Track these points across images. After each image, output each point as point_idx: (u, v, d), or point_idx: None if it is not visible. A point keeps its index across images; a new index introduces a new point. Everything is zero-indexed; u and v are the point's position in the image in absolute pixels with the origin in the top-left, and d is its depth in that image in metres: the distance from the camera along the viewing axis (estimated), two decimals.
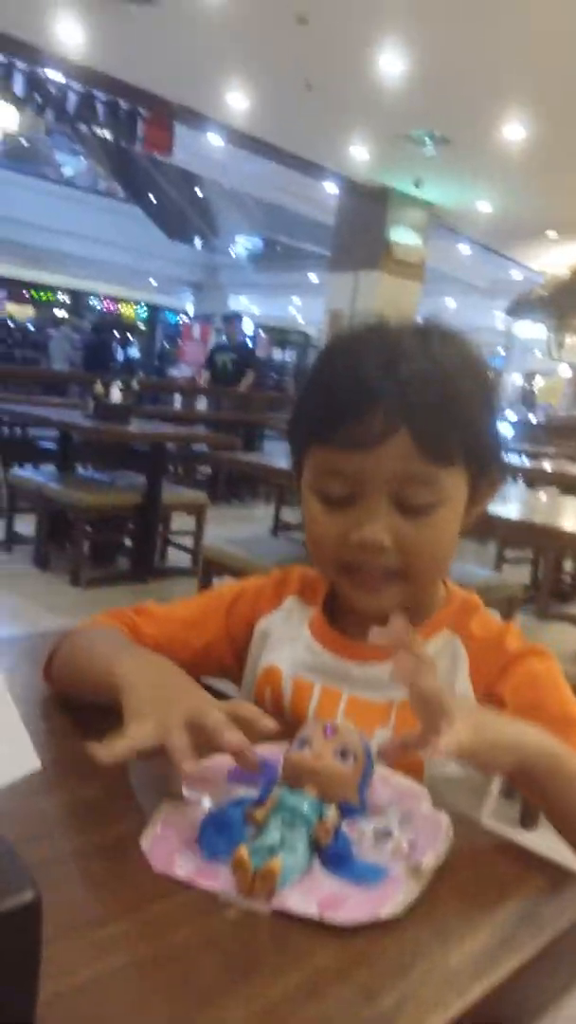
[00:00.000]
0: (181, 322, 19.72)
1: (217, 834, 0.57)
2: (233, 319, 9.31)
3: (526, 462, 6.03)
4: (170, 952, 0.48)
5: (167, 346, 19.97)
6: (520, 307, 11.75)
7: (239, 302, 22.20)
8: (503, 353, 22.85)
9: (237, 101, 7.35)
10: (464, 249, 13.10)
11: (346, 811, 0.61)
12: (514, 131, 7.00)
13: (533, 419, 12.17)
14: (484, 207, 9.60)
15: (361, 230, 9.28)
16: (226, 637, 0.89)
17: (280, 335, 22.22)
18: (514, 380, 18.66)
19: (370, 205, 9.23)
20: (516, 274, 13.88)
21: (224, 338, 9.39)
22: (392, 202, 9.16)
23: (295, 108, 7.23)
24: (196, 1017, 0.43)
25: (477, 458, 0.75)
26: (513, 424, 10.26)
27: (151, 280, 19.99)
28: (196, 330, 15.66)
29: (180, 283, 20.68)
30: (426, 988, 0.47)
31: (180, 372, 14.28)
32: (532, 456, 6.43)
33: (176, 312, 20.96)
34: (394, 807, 0.64)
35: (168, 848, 0.57)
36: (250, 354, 8.78)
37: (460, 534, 0.79)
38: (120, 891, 0.53)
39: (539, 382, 19.66)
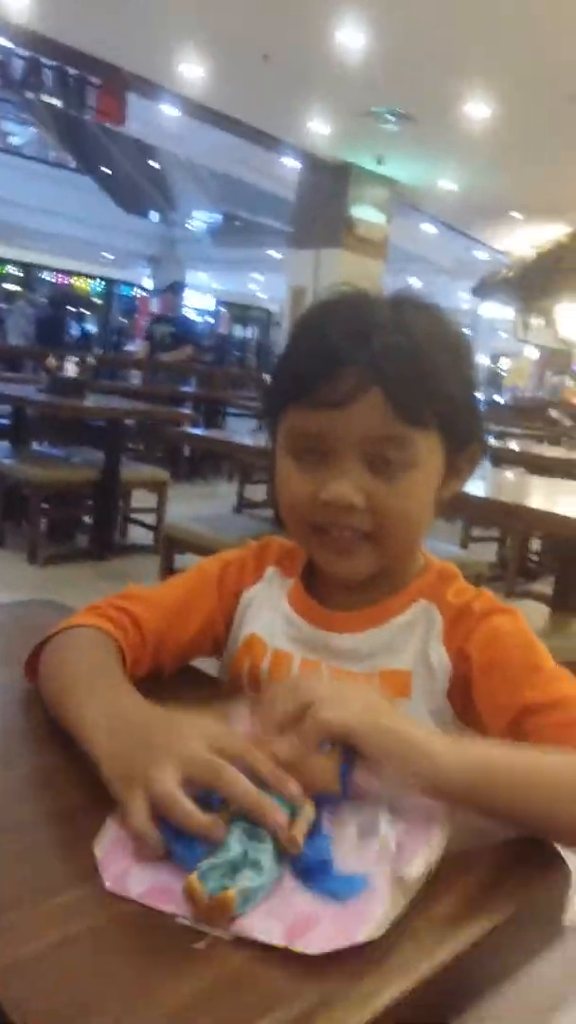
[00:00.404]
0: (137, 296, 19.45)
1: (176, 842, 0.51)
2: (174, 289, 8.97)
3: (493, 442, 6.09)
4: (129, 918, 0.47)
5: (124, 321, 19.69)
6: (486, 288, 11.82)
7: (198, 277, 21.97)
8: (469, 334, 23.01)
9: (191, 71, 7.22)
10: (428, 228, 13.12)
11: (325, 802, 0.55)
12: (478, 109, 7.00)
13: (500, 400, 12.28)
14: (448, 186, 9.60)
15: (322, 206, 9.23)
16: (220, 612, 0.88)
17: (241, 311, 22.06)
18: (480, 362, 18.78)
19: (331, 181, 9.18)
20: (481, 254, 13.95)
21: (166, 309, 9.12)
22: (354, 179, 9.11)
23: (252, 79, 7.13)
24: (154, 980, 0.42)
25: (453, 428, 0.75)
26: (480, 405, 10.33)
27: (106, 254, 19.66)
28: (153, 304, 15.45)
29: (136, 257, 20.37)
30: (393, 951, 0.47)
31: (136, 347, 14.09)
32: (499, 436, 6.49)
33: (132, 286, 20.67)
34: (386, 792, 0.57)
35: (122, 860, 0.50)
36: (189, 326, 8.52)
37: (437, 510, 0.79)
38: (76, 859, 0.52)
39: (505, 364, 19.83)
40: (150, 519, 4.67)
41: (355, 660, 0.78)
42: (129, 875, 0.49)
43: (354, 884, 0.49)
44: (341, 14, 5.71)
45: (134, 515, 4.86)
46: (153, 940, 0.45)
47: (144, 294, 18.15)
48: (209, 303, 22.11)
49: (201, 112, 8.24)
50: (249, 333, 21.49)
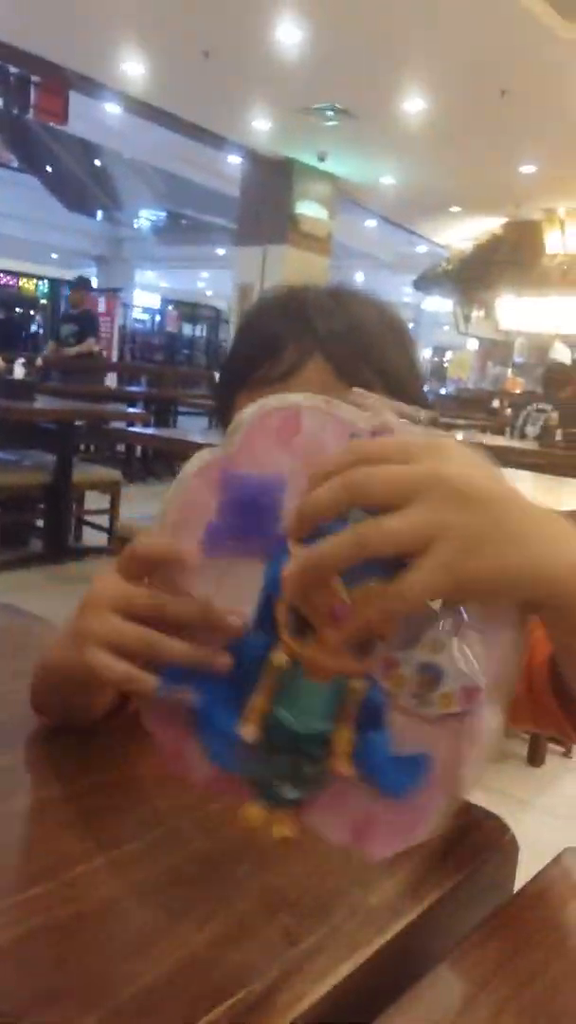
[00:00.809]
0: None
1: (206, 729, 0.43)
2: (79, 286, 8.71)
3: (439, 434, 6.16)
4: (92, 912, 0.47)
5: (14, 317, 19.39)
6: (426, 281, 11.97)
7: (145, 276, 21.80)
8: (412, 328, 23.24)
9: (133, 68, 7.17)
10: (370, 223, 13.21)
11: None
12: (414, 104, 7.08)
13: (443, 392, 12.43)
14: (388, 181, 9.69)
15: (267, 203, 9.24)
16: None
17: (190, 310, 21.95)
18: (424, 355, 18.98)
19: (275, 178, 9.19)
20: (422, 248, 14.09)
21: (71, 307, 8.79)
22: (297, 175, 9.14)
23: (193, 77, 7.10)
24: (118, 969, 0.43)
25: (399, 394, 0.76)
26: (424, 377, 10.44)
27: (52, 254, 19.40)
28: (102, 304, 15.30)
29: (83, 257, 20.13)
30: (347, 927, 0.49)
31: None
32: (444, 428, 6.57)
33: None
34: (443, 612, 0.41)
35: (175, 728, 0.44)
36: (90, 321, 8.30)
37: None
38: (38, 857, 0.52)
39: (448, 356, 20.05)
40: (103, 520, 4.64)
41: None
42: (184, 754, 0.44)
43: (413, 772, 0.41)
44: (279, 10, 5.73)
45: (87, 517, 4.82)
46: (116, 931, 0.46)
47: (92, 294, 17.93)
48: (155, 302, 21.97)
49: (144, 110, 8.18)
50: (198, 331, 21.40)
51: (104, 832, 0.56)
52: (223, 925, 0.47)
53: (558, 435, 4.97)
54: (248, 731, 0.42)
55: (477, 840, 0.60)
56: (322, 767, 0.41)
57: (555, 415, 5.44)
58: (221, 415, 0.80)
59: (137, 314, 20.88)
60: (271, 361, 0.72)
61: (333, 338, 0.72)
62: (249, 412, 0.43)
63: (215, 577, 0.43)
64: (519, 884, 0.58)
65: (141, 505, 5.17)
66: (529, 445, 4.96)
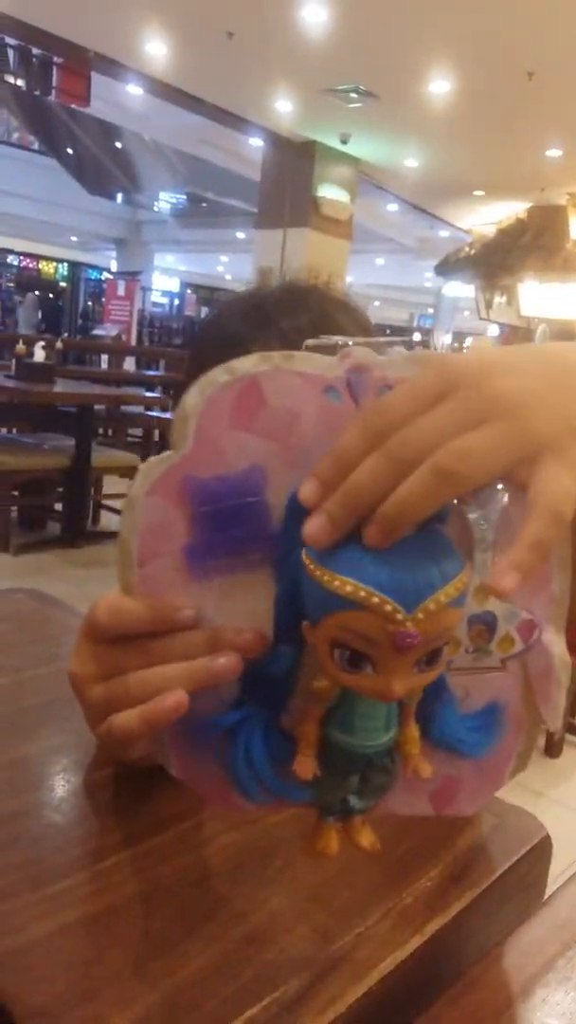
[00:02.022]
0: (104, 279, 19.23)
1: (244, 768, 0.38)
2: None
3: None
4: (124, 905, 0.47)
5: (91, 304, 19.47)
6: (448, 266, 11.85)
7: (165, 260, 21.75)
8: (432, 312, 23.06)
9: (156, 49, 7.12)
10: (392, 207, 13.09)
11: None
12: (439, 86, 6.98)
13: None
14: (411, 164, 9.59)
15: (288, 186, 9.17)
16: None
17: (208, 293, 21.90)
18: (444, 340, 18.86)
19: (297, 160, 9.11)
20: (444, 233, 13.96)
21: None
22: (319, 158, 9.06)
23: (216, 58, 7.04)
24: (151, 966, 0.42)
25: None
26: None
27: (72, 237, 19.39)
28: (121, 287, 15.29)
29: (102, 239, 20.11)
30: (382, 926, 0.48)
31: (106, 331, 13.97)
32: None
33: (99, 269, 20.42)
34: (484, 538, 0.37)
35: (208, 770, 0.40)
36: None
37: None
38: (67, 848, 0.52)
39: (468, 342, 19.91)
40: (121, 505, 4.64)
41: None
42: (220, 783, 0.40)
43: (489, 727, 0.40)
44: None
45: (106, 501, 4.83)
46: (148, 926, 0.46)
47: (111, 277, 17.94)
48: (175, 285, 21.94)
49: (166, 91, 8.13)
50: None
51: (134, 823, 0.55)
52: (255, 922, 0.47)
53: None
54: (305, 767, 0.36)
55: (511, 838, 0.59)
56: (393, 772, 0.38)
57: None
58: None
59: (156, 298, 20.86)
60: (230, 352, 0.71)
61: (296, 333, 0.72)
62: (192, 396, 0.36)
63: (214, 602, 0.37)
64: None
65: None
66: None
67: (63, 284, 19.72)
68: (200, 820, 0.56)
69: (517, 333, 14.32)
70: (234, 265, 21.08)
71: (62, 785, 0.59)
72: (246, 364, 0.36)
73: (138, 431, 7.32)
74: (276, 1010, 0.41)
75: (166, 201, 18.78)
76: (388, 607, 0.30)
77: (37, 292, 15.03)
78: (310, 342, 0.37)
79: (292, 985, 0.42)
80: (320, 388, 0.35)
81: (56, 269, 19.77)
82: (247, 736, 0.37)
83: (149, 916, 0.46)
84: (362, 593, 0.30)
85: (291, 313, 0.75)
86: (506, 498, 0.36)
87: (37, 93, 8.56)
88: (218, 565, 0.36)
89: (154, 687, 0.37)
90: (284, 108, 8.16)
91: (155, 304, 20.55)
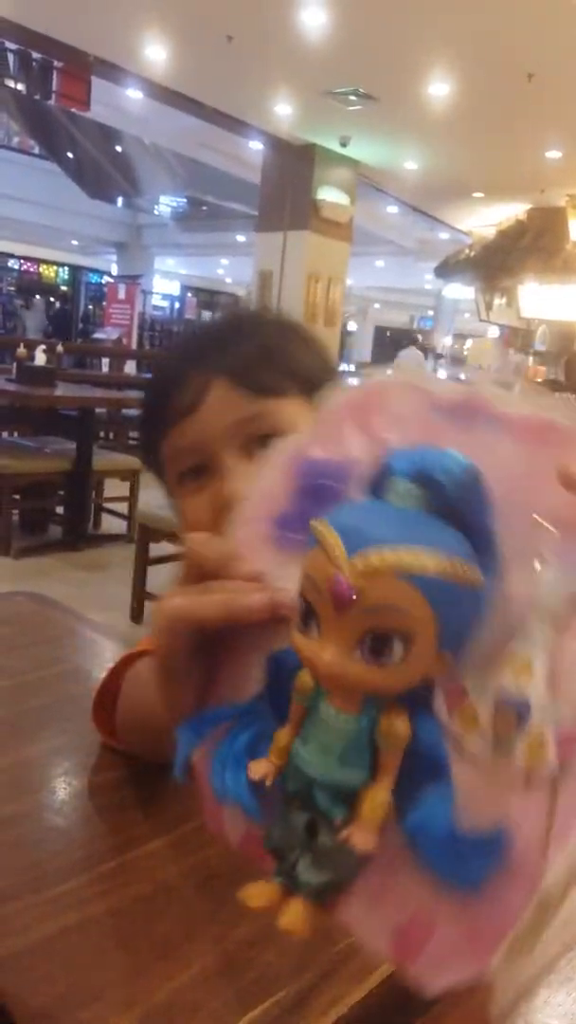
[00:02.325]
0: (105, 283, 19.25)
1: (223, 771, 0.34)
2: None
3: None
4: (125, 908, 0.47)
5: (91, 308, 19.49)
6: (448, 268, 11.86)
7: (165, 263, 21.77)
8: (432, 315, 23.07)
9: (156, 53, 7.12)
10: (392, 209, 13.10)
11: (424, 691, 0.30)
12: (438, 88, 6.98)
13: (462, 379, 12.31)
14: (411, 166, 9.59)
15: (288, 189, 9.18)
16: None
17: (208, 297, 21.92)
18: (444, 342, 18.84)
19: (296, 163, 9.12)
20: (444, 235, 13.97)
21: None
22: (319, 160, 9.06)
23: (216, 61, 7.04)
24: (153, 968, 0.42)
25: (315, 389, 0.76)
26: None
27: (72, 241, 19.41)
28: (122, 291, 15.30)
29: (103, 243, 20.12)
30: None
31: (106, 335, 13.98)
32: None
33: (100, 273, 20.44)
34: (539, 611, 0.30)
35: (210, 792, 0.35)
36: None
37: None
38: (69, 851, 0.52)
39: (468, 344, 19.91)
40: (123, 508, 4.65)
41: None
42: (223, 812, 0.36)
43: (486, 856, 0.29)
44: None
45: (107, 504, 4.83)
46: (150, 929, 0.46)
47: (112, 281, 17.96)
48: (175, 289, 21.97)
49: (166, 95, 8.13)
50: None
51: (136, 826, 0.55)
52: (257, 924, 0.47)
53: None
54: (258, 768, 0.32)
55: None
56: (346, 852, 0.30)
57: None
58: (161, 476, 0.79)
59: (156, 301, 20.87)
60: (175, 399, 0.72)
61: (231, 359, 0.73)
62: (331, 393, 0.39)
63: (287, 575, 0.35)
64: None
65: (160, 492, 5.18)
66: None
67: (64, 288, 19.74)
68: (202, 822, 0.56)
69: (517, 335, 14.33)
70: (234, 268, 21.09)
71: (64, 788, 0.59)
72: (380, 376, 0.38)
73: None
74: (278, 1012, 0.41)
75: (166, 204, 18.79)
76: (331, 540, 0.28)
77: (41, 297, 15.13)
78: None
79: (294, 986, 0.42)
80: (428, 403, 0.35)
81: (57, 273, 19.79)
82: (237, 730, 0.35)
83: (151, 918, 0.46)
84: (320, 527, 0.29)
85: (225, 342, 0.75)
86: None
87: (37, 97, 8.57)
88: (293, 539, 0.36)
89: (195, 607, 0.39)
90: (283, 111, 8.16)
91: (155, 307, 20.56)
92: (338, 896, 0.32)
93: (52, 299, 18.70)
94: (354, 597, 0.28)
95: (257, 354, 0.73)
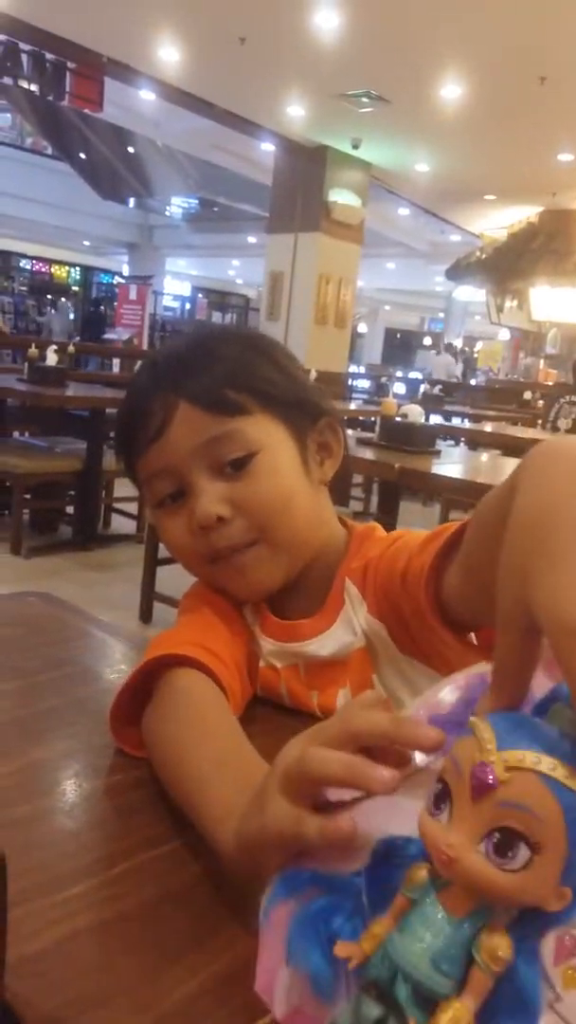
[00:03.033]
0: (117, 284, 19.30)
1: (305, 937, 0.33)
2: None
3: (468, 424, 6.12)
4: (135, 912, 0.47)
5: (103, 309, 19.54)
6: (459, 271, 11.84)
7: (176, 264, 21.82)
8: (442, 317, 23.03)
9: (169, 55, 7.14)
10: (403, 211, 13.09)
11: (539, 923, 0.30)
12: (451, 91, 6.98)
13: (473, 382, 12.31)
14: (423, 168, 9.58)
15: (300, 191, 9.18)
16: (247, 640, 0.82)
17: (219, 298, 21.96)
18: (455, 344, 18.82)
19: (308, 165, 9.12)
20: (456, 237, 13.94)
21: None
22: (330, 162, 9.06)
23: (229, 63, 7.06)
24: (164, 974, 0.42)
25: (282, 406, 0.76)
26: (453, 387, 10.37)
27: (84, 241, 19.47)
28: (133, 291, 15.33)
29: (114, 244, 20.18)
30: None
31: (117, 335, 14.01)
32: (474, 419, 6.53)
33: (111, 274, 20.49)
34: None
35: (280, 944, 0.34)
36: None
37: (330, 489, 0.80)
38: (79, 853, 0.52)
39: (479, 346, 19.87)
40: (133, 508, 4.66)
41: (328, 655, 0.77)
42: (276, 978, 0.35)
43: None
44: None
45: (117, 504, 4.84)
46: (160, 933, 0.45)
47: (123, 281, 17.99)
48: (186, 290, 21.99)
49: (178, 96, 8.15)
50: (228, 320, 21.40)
51: (143, 829, 0.55)
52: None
53: None
54: (346, 948, 0.32)
55: None
56: None
57: None
58: (135, 482, 0.80)
59: (167, 302, 20.92)
60: (144, 424, 0.74)
61: (190, 382, 0.73)
62: None
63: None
64: None
65: None
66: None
67: (75, 288, 19.79)
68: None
69: (528, 337, 14.29)
70: (245, 269, 21.12)
71: (74, 790, 0.59)
72: None
73: None
74: None
75: (178, 206, 18.84)
76: (486, 733, 0.29)
77: (67, 299, 15.16)
78: None
79: None
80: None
81: (68, 273, 19.85)
82: (329, 902, 0.34)
83: (161, 923, 0.46)
84: (477, 721, 0.30)
85: (184, 364, 0.75)
86: None
87: (50, 98, 8.61)
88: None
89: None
90: (296, 113, 8.17)
91: (166, 308, 20.61)
92: None
93: (83, 302, 18.77)
94: (494, 785, 0.28)
95: (221, 374, 0.74)
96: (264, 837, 0.40)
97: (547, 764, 0.28)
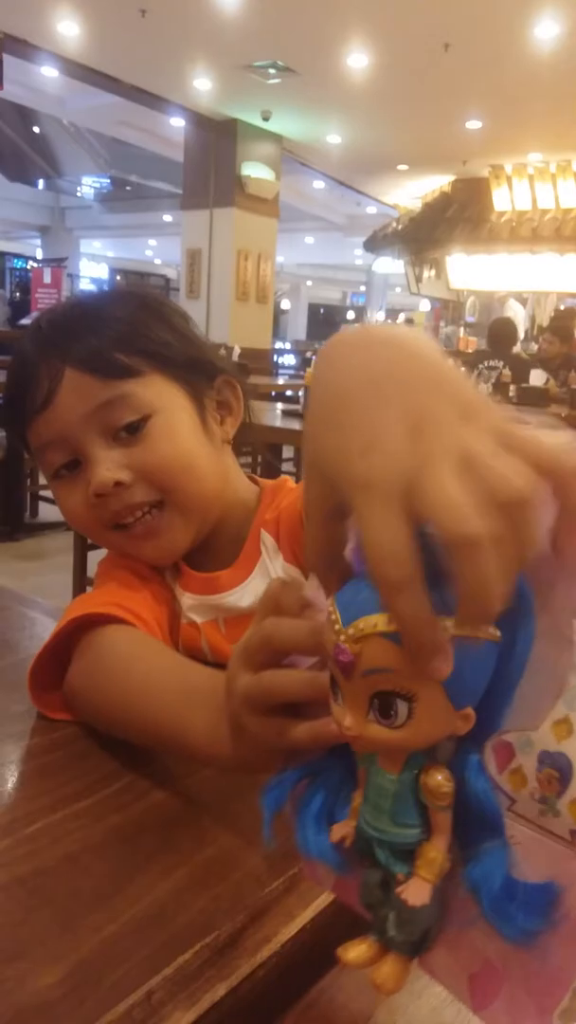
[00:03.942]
0: (30, 268, 18.78)
1: (306, 833, 0.36)
2: None
3: None
4: (52, 866, 0.46)
5: (18, 295, 18.99)
6: (376, 242, 11.90)
7: (91, 246, 21.34)
8: (364, 291, 23.12)
9: (68, 28, 6.94)
10: (319, 185, 13.06)
11: (473, 739, 0.32)
12: (357, 60, 6.96)
13: None
14: (334, 140, 9.56)
15: (212, 166, 9.07)
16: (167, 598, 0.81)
17: (137, 279, 21.56)
18: (377, 318, 18.89)
19: (219, 139, 9.01)
20: (371, 209, 13.99)
21: None
22: (241, 136, 8.97)
23: (131, 36, 6.89)
24: (81, 922, 0.42)
25: (176, 365, 0.75)
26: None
27: None
28: (47, 275, 14.94)
29: (25, 228, 19.62)
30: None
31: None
32: None
33: (24, 259, 19.93)
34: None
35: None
36: None
37: (232, 448, 0.80)
38: None
39: (401, 318, 20.02)
40: None
41: (247, 607, 0.77)
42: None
43: (537, 909, 0.30)
44: None
45: (43, 492, 4.75)
46: (78, 885, 0.45)
47: (36, 265, 17.51)
48: (103, 272, 21.55)
49: (81, 72, 7.93)
50: None
51: (62, 787, 0.54)
52: (189, 873, 0.47)
53: (511, 391, 5.00)
54: (338, 830, 0.35)
55: None
56: (397, 895, 0.32)
57: (507, 371, 5.46)
58: (28, 452, 0.78)
59: (84, 285, 20.46)
60: (30, 393, 0.72)
61: (77, 346, 0.71)
62: None
63: None
64: None
65: None
66: None
67: None
68: (130, 780, 0.55)
69: (448, 307, 14.47)
70: (163, 249, 20.79)
71: None
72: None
73: None
74: (209, 954, 0.41)
75: (89, 186, 18.41)
76: (333, 615, 0.31)
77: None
78: None
79: (226, 928, 0.42)
80: None
81: None
82: (315, 791, 0.37)
83: (79, 875, 0.46)
84: (329, 605, 0.32)
85: (68, 329, 0.73)
86: None
87: None
88: None
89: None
90: (203, 86, 8.05)
91: (83, 292, 20.18)
92: (428, 947, 0.33)
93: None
94: (351, 660, 0.30)
95: (109, 336, 0.72)
96: (257, 754, 0.43)
97: (383, 621, 0.29)
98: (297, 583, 0.41)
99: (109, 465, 0.70)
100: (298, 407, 3.43)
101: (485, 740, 0.32)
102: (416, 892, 0.31)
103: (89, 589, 0.80)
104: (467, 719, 0.31)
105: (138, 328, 0.74)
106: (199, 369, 0.77)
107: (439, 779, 0.31)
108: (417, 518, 0.28)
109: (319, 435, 0.32)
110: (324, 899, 0.45)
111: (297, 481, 0.87)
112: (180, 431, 0.74)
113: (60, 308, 0.78)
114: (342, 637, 0.30)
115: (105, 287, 19.37)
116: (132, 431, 0.71)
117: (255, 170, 9.07)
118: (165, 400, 0.73)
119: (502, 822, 0.31)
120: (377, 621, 0.29)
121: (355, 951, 0.34)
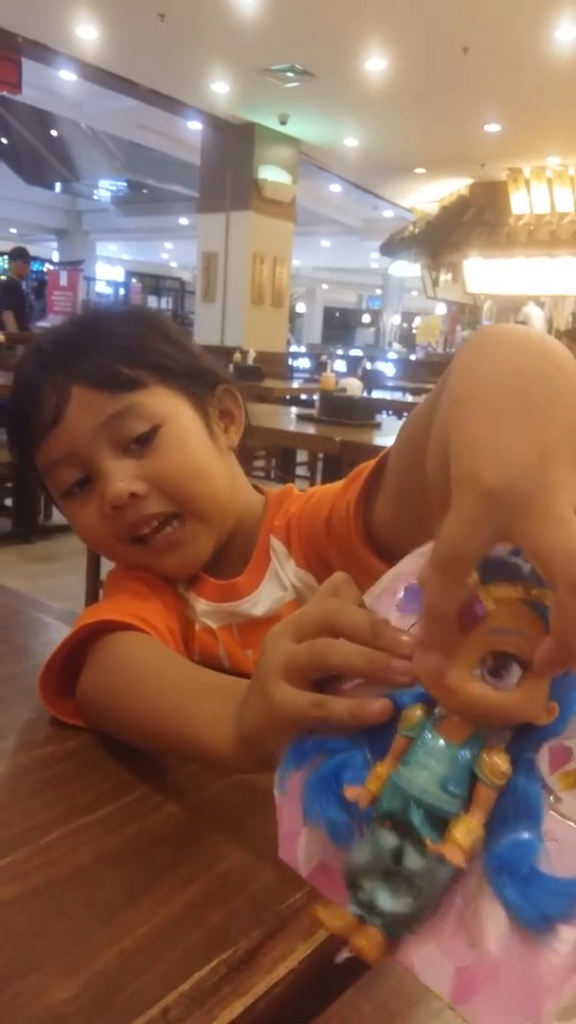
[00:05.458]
0: (47, 271, 18.89)
1: (316, 791, 0.36)
2: (16, 256, 8.53)
3: (408, 398, 6.17)
4: (68, 877, 0.46)
5: (34, 296, 19.12)
6: (393, 245, 11.90)
7: (107, 248, 21.44)
8: (380, 294, 23.10)
9: (87, 32, 6.99)
10: (335, 188, 13.07)
11: (532, 738, 0.33)
12: (375, 63, 6.97)
13: (413, 357, 12.38)
14: (352, 143, 9.57)
15: (229, 169, 9.10)
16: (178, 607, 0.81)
17: (152, 282, 21.65)
18: (393, 321, 18.90)
19: (236, 143, 9.04)
20: (388, 213, 13.98)
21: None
22: (259, 139, 8.99)
23: (149, 40, 6.93)
24: (95, 935, 0.41)
25: (178, 376, 0.75)
26: (393, 363, 10.43)
27: (11, 229, 19.00)
28: (63, 278, 15.02)
29: (42, 230, 19.75)
30: None
31: (50, 323, 13.74)
32: (414, 392, 6.59)
33: (41, 261, 20.06)
34: None
35: (296, 809, 0.38)
36: (7, 293, 8.28)
37: (237, 456, 0.80)
38: (13, 824, 0.50)
39: (416, 322, 19.99)
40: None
41: (261, 614, 0.77)
42: (300, 837, 0.37)
43: (563, 901, 0.30)
44: None
45: None
46: (92, 897, 0.45)
47: (53, 268, 17.61)
48: (118, 274, 21.64)
49: (100, 76, 7.98)
50: (163, 303, 21.14)
51: (76, 797, 0.54)
52: (203, 887, 0.46)
53: None
54: (354, 791, 0.35)
55: None
56: (428, 868, 0.32)
57: None
58: (34, 472, 0.77)
59: (100, 287, 20.56)
60: (37, 412, 0.71)
61: (82, 362, 0.71)
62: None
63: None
64: None
65: None
66: None
67: (1, 277, 19.31)
68: (144, 791, 0.55)
69: (464, 311, 14.44)
70: (179, 252, 20.86)
71: (4, 764, 0.58)
72: None
73: None
74: (225, 970, 0.40)
75: (106, 189, 18.48)
76: (473, 575, 0.32)
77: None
78: None
79: (243, 944, 0.42)
80: None
81: None
82: (333, 758, 0.37)
83: (93, 886, 0.45)
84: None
85: (72, 346, 0.73)
86: None
87: None
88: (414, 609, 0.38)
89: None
90: (221, 90, 8.07)
91: (99, 294, 20.26)
92: (412, 929, 0.33)
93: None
94: (482, 615, 0.31)
95: (113, 351, 0.72)
96: (273, 720, 0.41)
97: (534, 589, 0.31)
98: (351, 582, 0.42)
99: (122, 476, 0.70)
100: (312, 411, 3.42)
101: (542, 742, 0.33)
102: (455, 854, 0.32)
103: (101, 592, 0.80)
104: (551, 712, 0.32)
105: (139, 341, 0.74)
106: (200, 379, 0.78)
107: (502, 759, 0.32)
108: (507, 540, 0.30)
109: (449, 422, 0.33)
110: None
111: (312, 486, 0.86)
112: (190, 440, 0.74)
113: (59, 328, 0.79)
114: (481, 591, 0.32)
115: (120, 290, 19.54)
116: (143, 442, 0.71)
117: (272, 173, 9.09)
118: (172, 410, 0.73)
119: (541, 816, 0.32)
120: (522, 587, 0.31)
121: (334, 915, 0.34)
